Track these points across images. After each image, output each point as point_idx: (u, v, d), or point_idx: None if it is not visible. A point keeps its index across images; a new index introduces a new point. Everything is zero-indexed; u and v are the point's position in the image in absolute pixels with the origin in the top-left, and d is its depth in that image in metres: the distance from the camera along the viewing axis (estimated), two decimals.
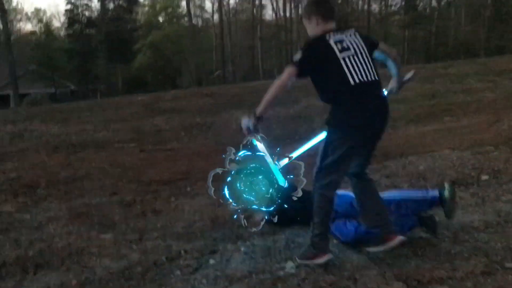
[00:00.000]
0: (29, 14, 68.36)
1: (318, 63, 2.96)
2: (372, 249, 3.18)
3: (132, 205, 4.74)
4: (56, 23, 57.50)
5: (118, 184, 5.67)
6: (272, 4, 53.39)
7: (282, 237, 3.58)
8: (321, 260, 3.01)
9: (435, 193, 3.40)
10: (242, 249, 3.43)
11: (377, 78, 3.00)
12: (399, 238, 3.09)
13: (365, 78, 2.93)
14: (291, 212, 3.64)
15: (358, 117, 2.93)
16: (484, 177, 4.79)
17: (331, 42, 2.96)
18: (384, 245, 3.11)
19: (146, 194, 5.13)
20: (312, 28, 3.13)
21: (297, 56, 2.98)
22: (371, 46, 3.10)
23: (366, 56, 2.99)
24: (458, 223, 3.61)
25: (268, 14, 58.08)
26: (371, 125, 2.99)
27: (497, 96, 11.08)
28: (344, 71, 2.91)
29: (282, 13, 51.40)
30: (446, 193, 3.32)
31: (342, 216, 3.49)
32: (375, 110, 2.98)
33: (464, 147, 6.09)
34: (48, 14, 57.90)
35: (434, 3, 48.46)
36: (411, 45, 45.88)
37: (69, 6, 43.90)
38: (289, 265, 3.11)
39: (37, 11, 56.10)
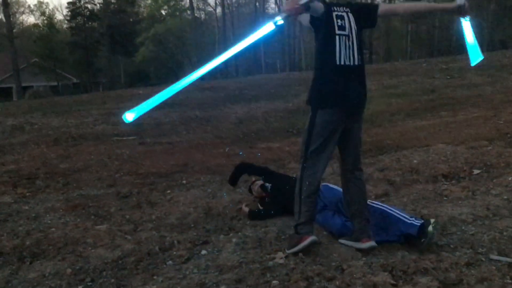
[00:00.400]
0: (32, 6, 68.35)
1: (323, 26, 3.05)
2: (343, 241, 3.26)
3: (129, 197, 4.82)
4: (58, 16, 57.44)
5: (116, 176, 5.74)
6: None
7: (274, 228, 3.65)
8: (306, 242, 3.08)
9: (416, 222, 3.19)
10: (234, 240, 3.49)
11: (360, 63, 3.11)
12: (370, 243, 3.13)
13: (349, 62, 3.06)
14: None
15: (337, 97, 3.04)
16: (476, 171, 4.85)
17: (334, 15, 3.07)
18: (355, 243, 3.18)
19: (142, 186, 5.20)
20: None
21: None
22: (366, 21, 3.20)
23: (356, 40, 3.11)
24: (446, 216, 3.67)
25: (271, 7, 57.82)
26: (349, 107, 3.10)
27: (496, 90, 11.11)
28: (335, 49, 3.03)
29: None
30: (431, 228, 3.12)
31: (331, 210, 3.56)
32: (353, 93, 3.10)
33: (459, 141, 6.13)
34: (51, 7, 57.81)
35: None
36: (414, 40, 45.73)
37: None
38: (279, 256, 3.17)
39: (40, 3, 55.82)
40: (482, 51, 3.67)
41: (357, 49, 3.10)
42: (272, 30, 2.99)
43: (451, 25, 44.22)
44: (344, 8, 3.13)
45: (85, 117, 10.97)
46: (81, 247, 3.51)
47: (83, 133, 8.99)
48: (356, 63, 3.09)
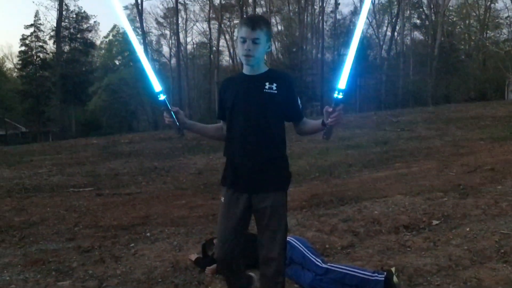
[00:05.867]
0: None
1: None
2: None
3: (90, 251, 4.66)
4: (9, 64, 56.48)
5: (75, 229, 5.56)
6: (229, 50, 54.84)
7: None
8: None
9: (380, 277, 3.24)
10: None
11: None
12: None
13: None
14: None
15: None
16: (435, 221, 5.01)
17: None
18: None
19: (104, 239, 5.06)
20: None
21: None
22: None
23: None
24: (412, 267, 3.76)
25: (225, 59, 59.26)
26: None
27: (445, 143, 11.63)
28: None
29: (238, 59, 52.57)
30: (395, 278, 3.18)
31: (298, 264, 3.58)
32: None
33: (415, 192, 6.34)
34: (1, 55, 56.53)
35: (384, 53, 50.96)
36: (363, 93, 47.64)
37: (23, 48, 43.45)
38: None
39: None
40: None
41: None
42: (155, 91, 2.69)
43: (397, 80, 46.59)
44: None
45: (39, 168, 10.65)
46: None
47: (37, 184, 8.70)
48: None
